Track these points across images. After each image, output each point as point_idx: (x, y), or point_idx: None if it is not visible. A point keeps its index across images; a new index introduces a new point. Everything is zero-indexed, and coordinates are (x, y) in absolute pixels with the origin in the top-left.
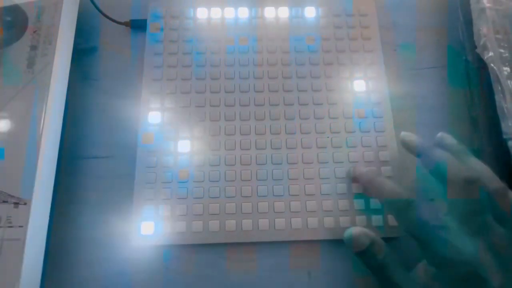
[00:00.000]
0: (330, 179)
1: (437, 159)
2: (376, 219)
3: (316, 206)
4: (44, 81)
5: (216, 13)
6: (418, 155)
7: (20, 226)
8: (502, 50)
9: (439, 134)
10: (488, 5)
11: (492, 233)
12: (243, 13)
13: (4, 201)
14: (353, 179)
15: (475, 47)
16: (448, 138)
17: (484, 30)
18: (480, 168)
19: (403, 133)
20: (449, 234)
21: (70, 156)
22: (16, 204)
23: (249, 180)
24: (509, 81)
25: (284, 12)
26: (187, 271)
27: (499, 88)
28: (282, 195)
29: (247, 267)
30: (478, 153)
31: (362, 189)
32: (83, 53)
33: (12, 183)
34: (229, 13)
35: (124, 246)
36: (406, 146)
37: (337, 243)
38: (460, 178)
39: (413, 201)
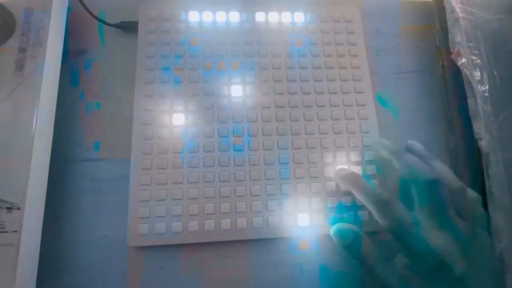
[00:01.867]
0: (319, 178)
1: (407, 163)
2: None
3: (307, 204)
4: (35, 84)
5: (207, 16)
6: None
7: (13, 231)
8: (474, 57)
9: (409, 142)
10: (461, 15)
11: (455, 227)
12: (234, 17)
13: None
14: (338, 180)
15: (450, 53)
16: (416, 145)
17: (458, 38)
18: (442, 170)
19: (379, 140)
20: (419, 229)
21: (62, 159)
22: (9, 209)
23: (243, 180)
24: (480, 86)
25: (274, 17)
26: (183, 270)
27: (471, 92)
28: (275, 194)
29: (243, 264)
30: (453, 152)
31: (345, 190)
32: (73, 55)
33: (4, 188)
34: (221, 17)
35: (120, 248)
36: (381, 151)
37: (325, 238)
38: (425, 179)
39: (391, 201)
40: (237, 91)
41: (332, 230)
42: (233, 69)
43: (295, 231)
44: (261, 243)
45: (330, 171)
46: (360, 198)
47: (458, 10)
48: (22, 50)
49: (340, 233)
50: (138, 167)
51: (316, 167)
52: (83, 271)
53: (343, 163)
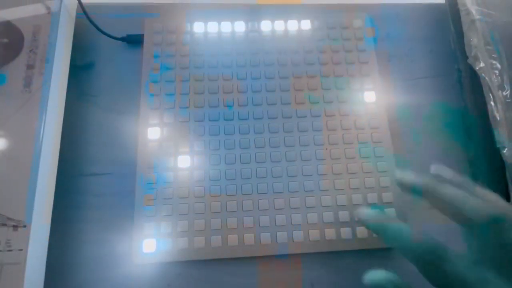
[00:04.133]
0: (329, 191)
1: (449, 198)
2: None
3: (317, 218)
4: (42, 100)
5: (212, 27)
6: (418, 193)
7: (19, 250)
8: (492, 61)
9: (433, 168)
10: (478, 17)
11: None
12: (240, 27)
13: (3, 224)
14: (359, 222)
15: (467, 57)
16: (446, 171)
17: (474, 41)
18: (502, 203)
19: (398, 173)
20: None
21: (68, 174)
22: (16, 227)
23: (250, 194)
24: (500, 91)
25: (280, 26)
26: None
27: (491, 97)
28: (283, 208)
29: (250, 282)
30: (472, 161)
31: (370, 232)
32: (80, 70)
33: (11, 205)
34: (226, 27)
35: (125, 265)
36: (404, 186)
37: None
38: (485, 218)
39: (441, 250)
40: (243, 101)
41: (366, 278)
42: (240, 79)
43: (305, 247)
44: (269, 260)
45: (340, 183)
46: (395, 245)
47: (474, 12)
48: (30, 67)
49: (374, 285)
50: (144, 181)
51: (325, 180)
52: (89, 287)
53: (353, 172)
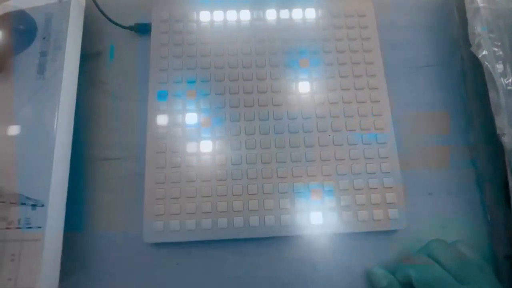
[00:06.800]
0: (332, 176)
1: None
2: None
3: (320, 202)
4: (55, 86)
5: (218, 15)
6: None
7: (38, 227)
8: (495, 49)
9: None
10: (482, 4)
11: None
12: (245, 15)
13: (22, 203)
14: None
15: (470, 45)
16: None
17: (478, 29)
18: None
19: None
20: None
21: (81, 158)
22: (34, 206)
23: (255, 179)
24: (502, 79)
25: (285, 14)
26: (197, 266)
27: (493, 85)
28: (286, 192)
29: (255, 261)
30: (473, 147)
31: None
32: (90, 57)
33: (29, 186)
34: (231, 15)
35: (136, 244)
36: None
37: (338, 237)
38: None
39: None
40: (248, 88)
41: (368, 272)
42: (245, 67)
43: (308, 229)
44: (274, 241)
45: (343, 169)
46: None
47: None
48: (43, 54)
49: (375, 277)
50: (153, 166)
51: (328, 165)
52: (101, 265)
53: (355, 158)
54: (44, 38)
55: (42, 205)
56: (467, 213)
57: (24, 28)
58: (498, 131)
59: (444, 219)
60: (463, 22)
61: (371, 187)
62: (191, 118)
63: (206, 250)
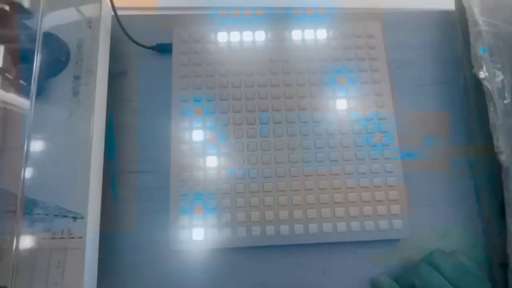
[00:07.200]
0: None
1: None
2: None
3: (330, 213)
4: (89, 107)
5: (235, 36)
6: None
7: (79, 237)
8: (496, 71)
9: None
10: (484, 28)
11: None
12: (260, 36)
13: (64, 216)
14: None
15: (473, 66)
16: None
17: (480, 51)
18: None
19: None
20: None
21: (110, 172)
22: (75, 218)
23: (270, 191)
24: (501, 100)
25: (297, 35)
26: (220, 272)
27: (492, 105)
28: (299, 204)
29: (275, 267)
30: (472, 162)
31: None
32: (115, 76)
33: (69, 200)
34: (247, 36)
35: (162, 251)
36: None
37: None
38: None
39: None
40: (264, 106)
41: (373, 280)
42: (260, 86)
43: (320, 238)
44: (289, 248)
45: (351, 182)
46: None
47: (481, 23)
48: (77, 77)
49: (380, 285)
50: (176, 179)
51: (338, 179)
52: (134, 271)
53: (362, 173)
54: (77, 63)
55: (82, 218)
56: (465, 223)
57: (58, 54)
58: (495, 149)
59: (444, 228)
60: (467, 43)
61: (377, 199)
62: (211, 135)
63: (226, 256)
